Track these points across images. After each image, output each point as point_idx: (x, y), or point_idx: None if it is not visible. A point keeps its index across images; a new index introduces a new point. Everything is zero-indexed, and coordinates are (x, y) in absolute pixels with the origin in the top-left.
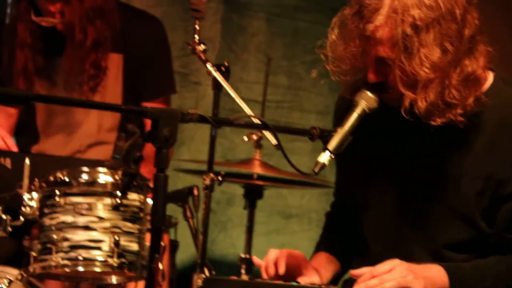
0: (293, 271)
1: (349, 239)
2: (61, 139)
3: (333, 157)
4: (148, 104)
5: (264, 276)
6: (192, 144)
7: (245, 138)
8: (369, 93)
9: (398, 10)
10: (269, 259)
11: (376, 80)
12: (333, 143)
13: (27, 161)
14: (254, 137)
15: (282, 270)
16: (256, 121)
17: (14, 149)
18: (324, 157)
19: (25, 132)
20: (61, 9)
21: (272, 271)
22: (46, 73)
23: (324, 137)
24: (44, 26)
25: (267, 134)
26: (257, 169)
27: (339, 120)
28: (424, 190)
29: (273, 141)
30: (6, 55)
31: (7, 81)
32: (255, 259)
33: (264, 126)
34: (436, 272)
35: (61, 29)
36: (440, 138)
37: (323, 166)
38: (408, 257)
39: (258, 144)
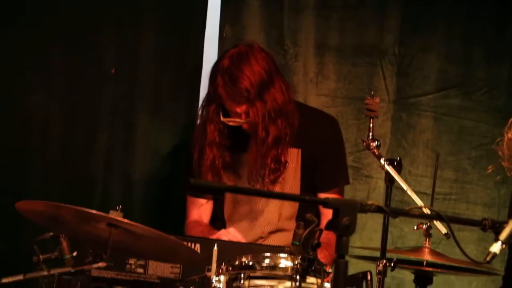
0: None
1: None
2: (245, 226)
3: (504, 247)
4: (323, 195)
5: None
6: (363, 233)
7: (415, 227)
8: None
9: None
10: None
11: None
12: (504, 234)
13: (216, 247)
14: (424, 226)
15: None
16: (428, 211)
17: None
18: (496, 247)
19: (213, 220)
20: (246, 110)
21: None
22: (232, 167)
23: (496, 228)
24: (231, 125)
25: (437, 224)
26: (427, 256)
27: None
28: None
29: (443, 230)
30: (197, 152)
31: (197, 175)
32: None
33: (438, 217)
34: None
35: (245, 128)
36: None
37: (495, 255)
38: None
39: (428, 233)
